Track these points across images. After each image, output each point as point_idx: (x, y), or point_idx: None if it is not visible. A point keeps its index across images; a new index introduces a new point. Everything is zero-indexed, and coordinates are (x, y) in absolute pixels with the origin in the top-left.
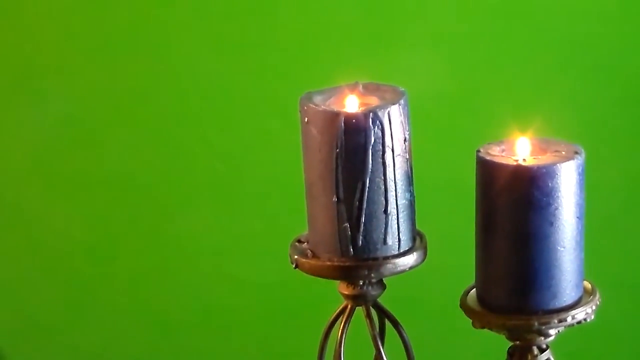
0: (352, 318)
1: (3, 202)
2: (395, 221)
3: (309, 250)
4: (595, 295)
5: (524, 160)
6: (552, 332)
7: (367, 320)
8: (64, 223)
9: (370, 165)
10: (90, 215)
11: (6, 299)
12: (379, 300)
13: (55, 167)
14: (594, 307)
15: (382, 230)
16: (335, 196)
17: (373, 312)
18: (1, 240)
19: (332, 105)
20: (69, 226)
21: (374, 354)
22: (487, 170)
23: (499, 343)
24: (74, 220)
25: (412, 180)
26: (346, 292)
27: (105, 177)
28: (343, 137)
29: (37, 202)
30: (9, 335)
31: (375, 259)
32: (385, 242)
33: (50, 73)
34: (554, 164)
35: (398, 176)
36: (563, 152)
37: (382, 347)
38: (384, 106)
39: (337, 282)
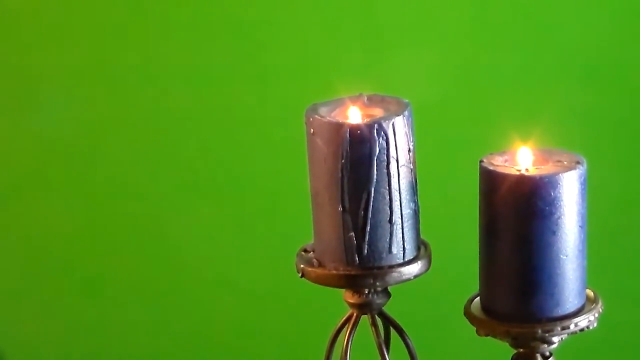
0: (358, 326)
1: (3, 203)
2: (400, 230)
3: (314, 260)
4: (597, 303)
5: (527, 170)
6: (555, 339)
7: (373, 329)
8: (64, 224)
9: (375, 176)
10: (92, 218)
11: (6, 298)
12: (384, 308)
13: (55, 170)
14: (596, 315)
15: (387, 240)
16: (340, 206)
17: (378, 320)
18: (1, 240)
19: (337, 116)
20: (69, 228)
21: None
22: (491, 180)
23: (503, 350)
24: (74, 223)
25: (416, 190)
26: (352, 301)
27: (107, 181)
28: (348, 148)
29: (37, 202)
30: (9, 335)
31: (381, 267)
32: (390, 251)
33: (50, 76)
34: (556, 173)
35: (403, 186)
36: (565, 162)
37: (388, 355)
38: (388, 117)
39: (343, 290)
